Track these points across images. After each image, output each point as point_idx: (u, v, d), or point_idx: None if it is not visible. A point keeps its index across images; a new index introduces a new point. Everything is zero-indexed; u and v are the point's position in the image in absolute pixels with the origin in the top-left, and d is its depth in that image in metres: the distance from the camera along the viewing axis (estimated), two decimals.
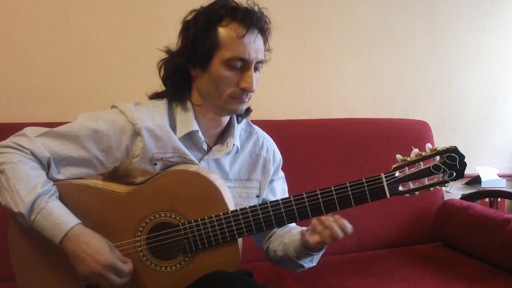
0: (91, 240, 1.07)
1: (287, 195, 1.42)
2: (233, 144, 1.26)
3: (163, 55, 1.22)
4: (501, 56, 2.58)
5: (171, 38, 1.17)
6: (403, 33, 2.42)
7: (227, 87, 1.15)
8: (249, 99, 1.20)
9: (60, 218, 1.06)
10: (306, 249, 1.20)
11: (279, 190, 1.41)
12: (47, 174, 1.14)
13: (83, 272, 1.07)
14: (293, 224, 1.34)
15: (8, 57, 1.91)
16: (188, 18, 1.18)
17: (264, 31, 1.17)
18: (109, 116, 1.17)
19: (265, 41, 1.19)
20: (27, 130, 1.15)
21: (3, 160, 1.09)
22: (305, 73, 2.29)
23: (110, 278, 1.07)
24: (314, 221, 1.15)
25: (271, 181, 1.38)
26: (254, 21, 1.12)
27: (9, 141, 1.13)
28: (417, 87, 2.47)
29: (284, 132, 1.97)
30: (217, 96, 1.17)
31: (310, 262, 1.30)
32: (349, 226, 1.14)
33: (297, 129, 2.03)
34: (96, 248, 1.07)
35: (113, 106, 1.22)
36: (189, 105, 1.22)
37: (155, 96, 1.26)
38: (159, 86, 1.25)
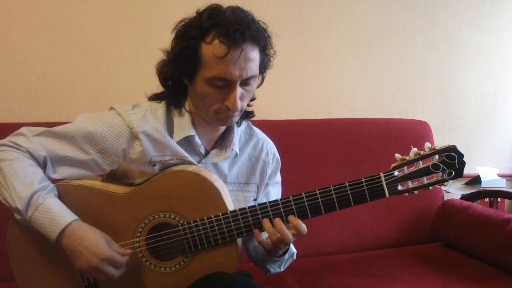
0: (88, 234, 1.07)
1: None
2: (232, 149, 1.26)
3: (163, 56, 1.21)
4: (501, 56, 2.57)
5: (171, 38, 1.17)
6: (403, 33, 2.41)
7: (212, 104, 1.12)
8: (241, 111, 1.16)
9: (57, 214, 1.06)
10: (267, 253, 1.20)
11: (275, 195, 1.40)
12: (44, 172, 1.14)
13: (81, 266, 1.06)
14: None
15: (8, 57, 1.91)
16: (178, 27, 1.13)
17: (257, 43, 1.09)
18: (106, 118, 1.17)
19: (263, 49, 1.13)
20: (24, 129, 1.15)
21: (0, 158, 1.09)
22: (305, 73, 2.29)
23: (107, 271, 1.07)
24: (265, 222, 1.14)
25: (267, 185, 1.37)
26: (238, 38, 1.04)
27: (6, 140, 1.13)
28: (417, 87, 2.47)
29: (284, 132, 1.97)
30: (205, 110, 1.15)
31: (277, 268, 1.29)
32: (303, 227, 1.12)
33: (297, 129, 2.02)
34: (93, 241, 1.06)
35: (111, 108, 1.22)
36: (184, 111, 1.21)
37: (154, 97, 1.25)
38: (159, 86, 1.25)
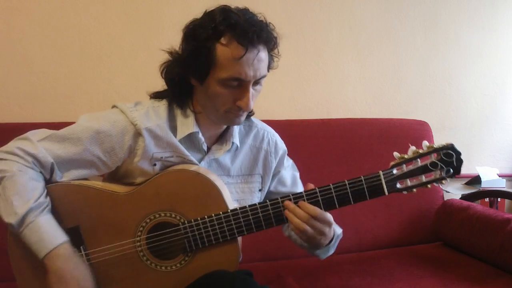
0: (78, 265, 1.08)
1: (299, 183, 1.42)
2: (232, 142, 1.26)
3: (164, 55, 1.21)
4: (501, 56, 2.57)
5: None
6: (403, 33, 2.41)
7: (223, 104, 1.13)
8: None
9: (47, 234, 1.06)
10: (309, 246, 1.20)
11: (289, 178, 1.40)
12: (51, 177, 1.14)
13: None
14: None
15: (8, 57, 1.91)
16: (188, 27, 1.13)
17: (268, 44, 1.12)
18: (110, 116, 1.17)
19: (271, 50, 1.15)
20: (30, 134, 1.15)
21: (3, 168, 1.09)
22: (305, 73, 2.29)
23: None
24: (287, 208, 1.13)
25: (278, 172, 1.37)
26: (255, 39, 1.06)
27: (13, 146, 1.12)
28: (417, 87, 2.47)
29: (284, 132, 1.94)
30: (214, 110, 1.16)
31: (327, 252, 1.29)
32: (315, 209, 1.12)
33: (297, 129, 2.02)
34: (82, 274, 1.07)
35: (113, 106, 1.22)
36: (189, 111, 1.21)
37: (156, 95, 1.25)
38: (159, 86, 1.25)
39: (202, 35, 1.08)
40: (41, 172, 1.14)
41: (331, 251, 1.31)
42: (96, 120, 1.17)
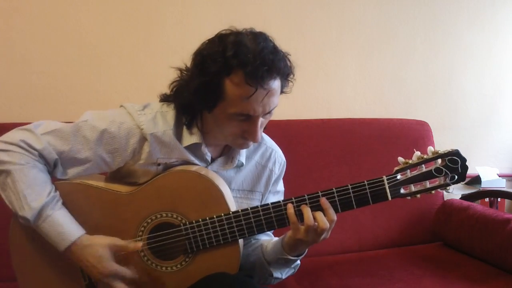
0: (93, 251, 1.09)
1: None
2: (238, 160, 1.26)
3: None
4: (501, 56, 2.57)
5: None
6: (403, 33, 2.41)
7: (231, 133, 1.13)
8: None
9: (65, 227, 1.08)
10: (284, 245, 1.19)
11: None
12: (53, 171, 1.15)
13: (95, 279, 1.12)
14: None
15: (8, 57, 1.91)
16: (198, 55, 1.09)
17: (281, 76, 1.10)
18: (117, 117, 1.17)
19: (284, 78, 1.12)
20: (33, 125, 1.14)
21: (10, 160, 1.08)
22: (305, 73, 2.29)
23: (114, 284, 1.09)
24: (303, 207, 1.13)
25: (268, 192, 1.36)
26: (266, 78, 1.03)
27: (16, 138, 1.10)
28: (417, 87, 2.47)
29: (284, 132, 1.97)
30: (221, 135, 1.16)
31: (279, 272, 1.27)
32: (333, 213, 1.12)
33: (297, 129, 2.02)
34: (97, 258, 1.08)
35: (121, 106, 1.21)
36: (196, 129, 1.19)
37: (166, 98, 1.23)
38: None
39: (212, 69, 1.04)
40: (45, 165, 1.14)
41: (285, 275, 1.29)
42: (103, 120, 1.16)
